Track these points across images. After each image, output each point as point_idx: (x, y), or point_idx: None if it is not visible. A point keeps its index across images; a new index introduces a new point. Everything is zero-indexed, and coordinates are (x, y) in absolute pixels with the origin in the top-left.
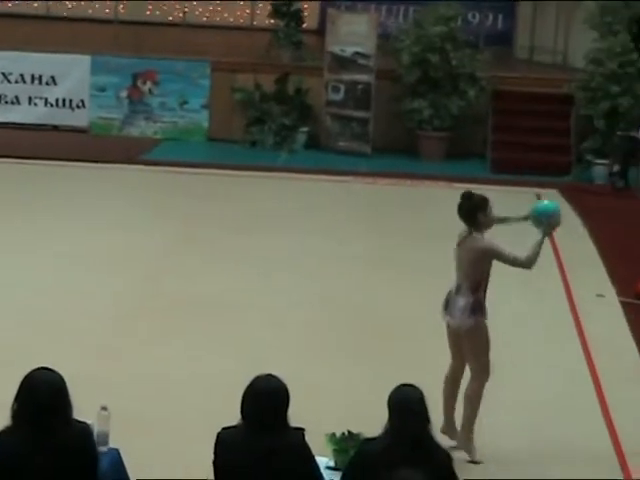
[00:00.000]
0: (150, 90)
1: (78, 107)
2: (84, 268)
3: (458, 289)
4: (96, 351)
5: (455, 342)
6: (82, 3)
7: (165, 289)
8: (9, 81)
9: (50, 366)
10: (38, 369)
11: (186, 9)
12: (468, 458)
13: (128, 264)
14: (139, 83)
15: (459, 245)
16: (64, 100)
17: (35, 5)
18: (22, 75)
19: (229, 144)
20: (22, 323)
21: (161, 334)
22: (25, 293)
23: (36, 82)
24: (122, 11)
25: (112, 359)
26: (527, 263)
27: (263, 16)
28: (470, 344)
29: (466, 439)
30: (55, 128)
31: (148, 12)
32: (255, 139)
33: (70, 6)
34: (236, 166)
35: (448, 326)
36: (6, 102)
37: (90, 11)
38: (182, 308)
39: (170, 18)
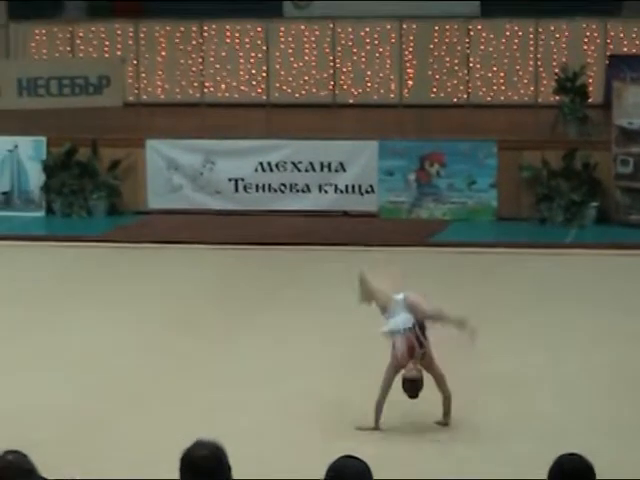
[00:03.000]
0: (438, 172)
1: (367, 192)
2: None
3: None
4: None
5: None
6: (367, 90)
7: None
8: (299, 169)
9: None
10: None
11: (470, 89)
12: None
13: None
14: (426, 165)
15: None
16: (353, 186)
17: (322, 94)
18: (311, 163)
19: (518, 222)
20: None
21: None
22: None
23: (325, 169)
24: (406, 95)
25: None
26: None
27: (547, 93)
28: None
29: None
30: (345, 214)
31: (432, 94)
32: (544, 216)
33: (356, 93)
34: (526, 244)
35: None
36: (297, 190)
37: (375, 97)
38: None
39: (454, 99)
